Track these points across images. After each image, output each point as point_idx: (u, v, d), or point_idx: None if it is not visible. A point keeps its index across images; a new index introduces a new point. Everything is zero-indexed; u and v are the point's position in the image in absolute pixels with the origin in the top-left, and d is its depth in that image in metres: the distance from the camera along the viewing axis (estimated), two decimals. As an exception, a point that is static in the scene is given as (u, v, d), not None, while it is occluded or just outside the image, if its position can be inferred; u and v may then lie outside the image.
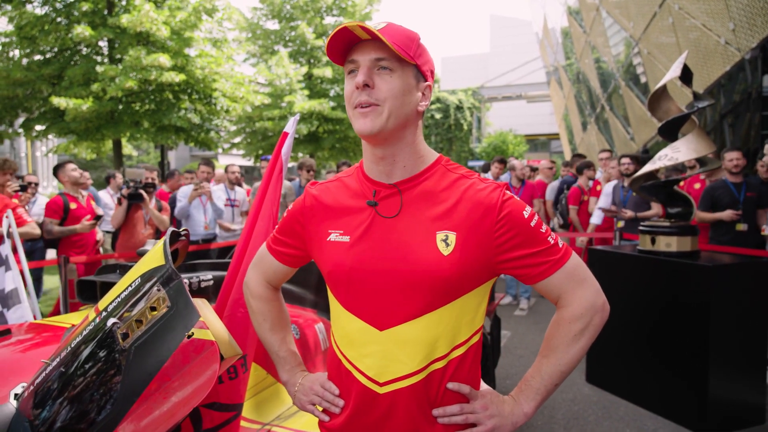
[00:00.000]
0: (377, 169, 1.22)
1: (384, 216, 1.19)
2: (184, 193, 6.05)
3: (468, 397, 1.19)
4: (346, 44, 1.15)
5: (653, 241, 4.05)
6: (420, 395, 1.16)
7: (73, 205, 5.27)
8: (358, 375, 1.20)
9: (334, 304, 1.27)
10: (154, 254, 1.48)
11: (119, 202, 5.53)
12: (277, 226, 1.40)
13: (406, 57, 1.12)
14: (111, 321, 1.42)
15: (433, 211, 1.17)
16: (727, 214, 5.11)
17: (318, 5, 19.16)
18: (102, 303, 1.53)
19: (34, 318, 3.41)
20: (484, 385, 1.24)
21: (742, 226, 5.14)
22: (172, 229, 1.57)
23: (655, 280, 3.97)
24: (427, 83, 1.20)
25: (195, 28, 12.94)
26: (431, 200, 1.18)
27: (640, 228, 4.22)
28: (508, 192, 1.17)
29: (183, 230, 1.64)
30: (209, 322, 1.40)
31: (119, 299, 1.46)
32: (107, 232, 7.14)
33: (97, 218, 5.37)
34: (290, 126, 1.97)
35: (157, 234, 5.99)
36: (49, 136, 13.75)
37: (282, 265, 1.41)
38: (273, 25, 20.21)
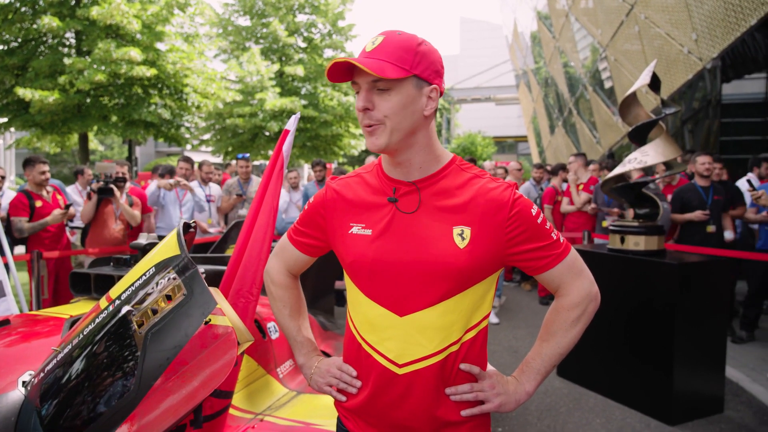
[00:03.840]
0: (396, 170, 1.31)
1: (404, 211, 1.29)
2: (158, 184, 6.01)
3: (477, 377, 1.30)
4: (344, 69, 1.22)
5: (622, 240, 4.25)
6: (436, 375, 1.26)
7: (38, 203, 5.13)
8: (378, 357, 1.29)
9: (354, 292, 1.35)
10: (168, 244, 1.53)
11: (89, 197, 5.42)
12: (298, 218, 1.49)
13: (399, 75, 1.17)
14: (125, 308, 1.46)
15: (450, 208, 1.27)
16: (696, 214, 5.40)
17: (290, 3, 19.03)
18: (114, 291, 1.57)
19: (20, 311, 3.38)
20: (490, 366, 1.36)
21: (711, 228, 5.43)
22: (183, 220, 1.62)
23: (623, 277, 4.16)
24: (432, 86, 1.24)
25: (166, 22, 12.75)
26: (447, 197, 1.28)
27: (610, 228, 4.42)
28: (517, 191, 1.28)
29: (192, 222, 1.69)
30: (224, 310, 1.46)
31: (133, 288, 1.51)
32: (76, 227, 6.92)
33: (67, 207, 5.26)
34: (291, 123, 2.03)
35: (131, 229, 5.91)
36: (11, 129, 13.33)
37: (303, 254, 1.49)
38: (245, 21, 20.01)
